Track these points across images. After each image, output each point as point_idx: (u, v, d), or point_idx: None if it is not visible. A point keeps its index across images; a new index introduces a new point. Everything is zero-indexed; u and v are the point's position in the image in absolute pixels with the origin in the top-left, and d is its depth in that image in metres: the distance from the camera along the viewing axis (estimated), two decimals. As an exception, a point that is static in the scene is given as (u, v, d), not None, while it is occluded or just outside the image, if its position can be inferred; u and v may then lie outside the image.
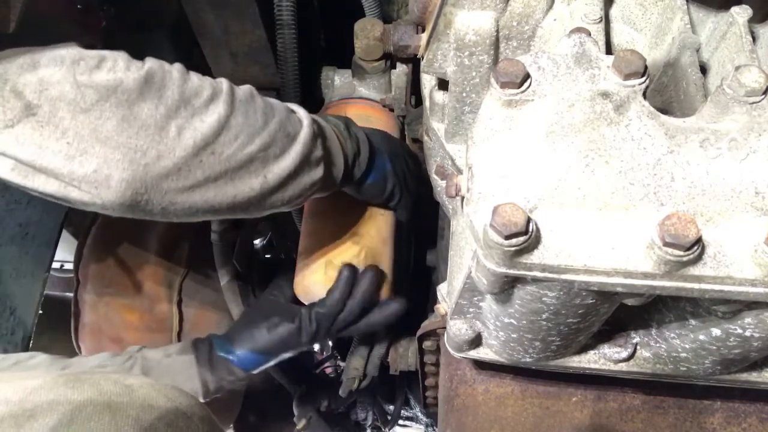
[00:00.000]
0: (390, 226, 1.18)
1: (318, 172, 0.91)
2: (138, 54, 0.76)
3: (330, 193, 1.08)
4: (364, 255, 1.12)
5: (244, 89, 0.85)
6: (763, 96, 0.59)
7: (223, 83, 0.82)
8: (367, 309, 1.10)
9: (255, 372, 1.11)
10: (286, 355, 1.11)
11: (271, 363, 1.11)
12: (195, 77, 0.79)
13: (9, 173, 0.71)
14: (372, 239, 1.14)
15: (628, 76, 0.61)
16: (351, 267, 1.08)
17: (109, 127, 0.71)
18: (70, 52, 0.71)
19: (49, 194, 0.73)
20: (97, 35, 0.95)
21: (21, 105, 0.68)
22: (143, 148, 0.73)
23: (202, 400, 1.02)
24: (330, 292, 1.08)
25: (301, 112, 0.91)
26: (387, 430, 1.95)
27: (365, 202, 1.15)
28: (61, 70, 0.70)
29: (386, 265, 1.15)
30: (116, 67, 0.73)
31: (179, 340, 1.48)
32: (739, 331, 0.67)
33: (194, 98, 0.77)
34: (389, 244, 1.17)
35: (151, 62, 0.76)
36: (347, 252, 1.11)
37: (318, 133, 0.91)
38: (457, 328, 0.85)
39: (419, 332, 1.12)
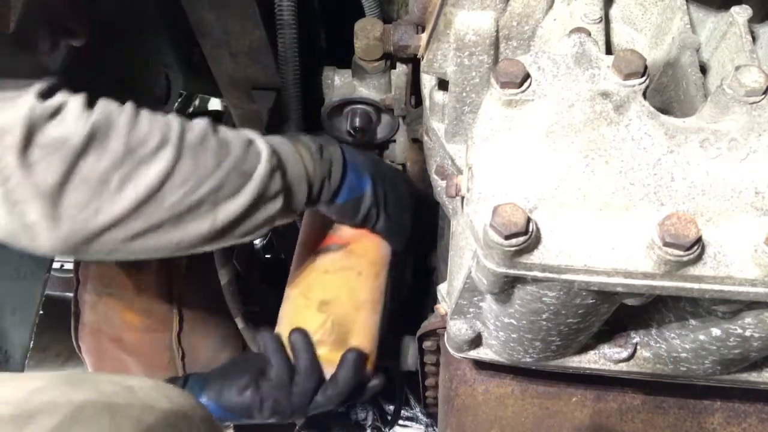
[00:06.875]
0: (370, 288, 1.12)
1: (275, 205, 0.90)
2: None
3: (319, 225, 1.08)
4: (330, 324, 1.07)
5: (199, 128, 0.83)
6: (763, 96, 0.59)
7: (174, 125, 0.80)
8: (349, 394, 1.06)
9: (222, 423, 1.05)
10: (251, 422, 1.05)
11: (238, 422, 1.05)
12: (144, 122, 0.78)
13: None
14: (342, 305, 1.09)
15: (628, 76, 0.61)
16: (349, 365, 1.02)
17: (50, 181, 0.72)
18: (27, 100, 0.71)
19: None
20: (90, 29, 0.94)
21: None
22: (82, 203, 0.74)
23: None
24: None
25: (260, 145, 0.89)
26: (387, 430, 1.94)
27: (362, 234, 1.12)
28: (17, 117, 0.70)
29: (359, 333, 1.09)
30: (65, 121, 0.73)
31: (179, 340, 1.48)
32: (739, 331, 0.67)
33: (140, 147, 0.77)
34: (367, 307, 1.11)
35: (98, 112, 0.76)
36: (311, 321, 1.07)
37: (277, 166, 0.89)
38: (457, 328, 0.85)
39: (419, 332, 1.12)
